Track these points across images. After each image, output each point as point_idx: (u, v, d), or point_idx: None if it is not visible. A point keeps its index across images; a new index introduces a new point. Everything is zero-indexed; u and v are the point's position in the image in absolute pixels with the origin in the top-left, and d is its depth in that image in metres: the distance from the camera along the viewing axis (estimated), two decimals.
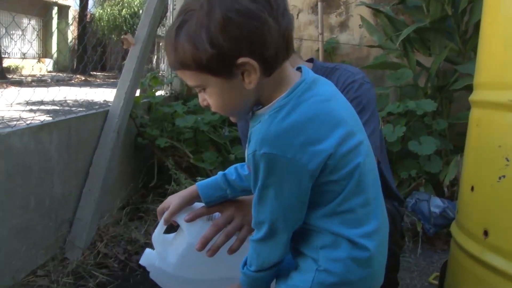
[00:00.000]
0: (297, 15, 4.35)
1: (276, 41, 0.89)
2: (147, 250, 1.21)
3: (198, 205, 1.24)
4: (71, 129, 2.43)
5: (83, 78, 14.19)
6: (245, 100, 0.95)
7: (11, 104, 2.27)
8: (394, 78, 3.44)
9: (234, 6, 0.87)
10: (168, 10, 3.95)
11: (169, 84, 3.89)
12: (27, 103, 2.26)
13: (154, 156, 3.24)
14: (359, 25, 4.13)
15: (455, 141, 3.28)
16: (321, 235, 0.95)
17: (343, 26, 4.32)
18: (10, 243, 2.01)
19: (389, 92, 3.54)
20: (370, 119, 1.47)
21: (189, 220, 1.19)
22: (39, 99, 2.29)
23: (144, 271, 2.33)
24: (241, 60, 0.88)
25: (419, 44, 3.53)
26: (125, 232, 2.77)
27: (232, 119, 1.07)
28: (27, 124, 2.15)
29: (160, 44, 16.40)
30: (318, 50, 3.89)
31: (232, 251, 1.17)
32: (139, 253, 2.51)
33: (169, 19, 3.98)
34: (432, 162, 3.12)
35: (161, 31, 9.96)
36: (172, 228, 1.24)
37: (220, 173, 1.22)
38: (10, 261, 2.01)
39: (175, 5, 3.87)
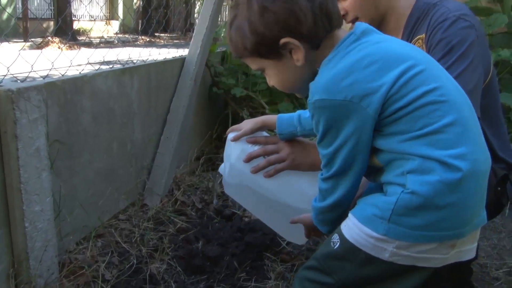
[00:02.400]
0: None
1: (311, 17, 0.96)
2: (225, 162, 1.39)
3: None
4: (151, 75, 2.40)
5: (147, 39, 14.38)
6: (301, 76, 1.04)
7: (87, 63, 2.28)
8: (485, 25, 3.15)
9: None
10: None
11: None
12: (102, 62, 2.27)
13: (228, 107, 3.19)
14: None
15: None
16: (408, 160, 0.91)
17: None
18: (97, 184, 2.04)
19: None
20: (458, 60, 1.29)
21: (233, 140, 1.33)
22: (107, 59, 2.31)
23: (221, 218, 2.34)
24: (282, 41, 0.98)
25: None
26: (200, 181, 2.76)
27: (298, 95, 1.19)
28: (110, 67, 2.14)
29: None
30: None
31: (268, 175, 1.30)
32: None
33: None
34: None
35: None
36: None
37: (298, 112, 1.31)
38: (97, 202, 2.05)
39: None
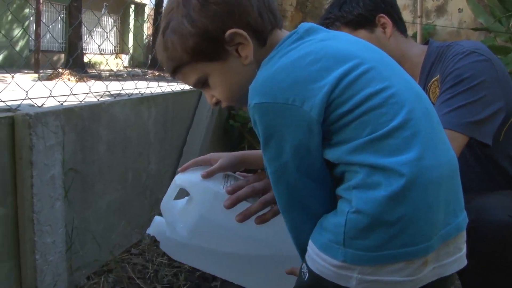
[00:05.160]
0: None
1: (257, 6, 0.90)
2: (156, 218, 1.08)
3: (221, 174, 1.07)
4: (168, 105, 2.36)
5: (157, 73, 14.53)
6: (248, 79, 0.89)
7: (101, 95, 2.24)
8: (503, 64, 3.12)
9: None
10: None
11: None
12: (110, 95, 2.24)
13: (244, 140, 3.13)
14: (459, 9, 3.83)
15: None
16: (355, 173, 0.81)
17: (441, 10, 4.02)
18: (110, 217, 1.95)
19: None
20: (464, 92, 1.23)
21: (207, 176, 1.03)
22: (118, 90, 2.27)
23: None
24: (228, 32, 0.88)
25: None
26: None
27: (245, 109, 0.93)
28: (129, 95, 2.09)
29: None
30: (413, 35, 3.63)
31: (262, 220, 1.01)
32: None
33: None
34: None
35: None
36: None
37: None
38: (110, 235, 1.96)
39: None
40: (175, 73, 0.95)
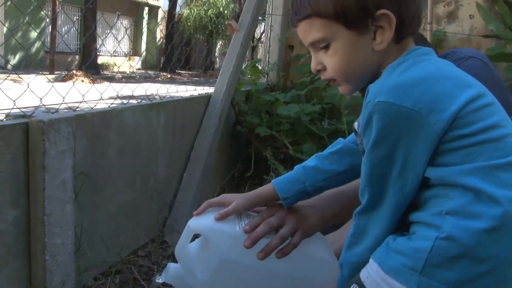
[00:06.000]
0: None
1: (416, 4, 0.87)
2: (171, 265, 1.04)
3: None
4: (177, 111, 2.41)
5: (169, 76, 14.65)
6: (369, 64, 0.88)
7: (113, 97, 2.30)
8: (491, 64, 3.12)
9: None
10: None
11: (265, 76, 3.82)
12: (122, 97, 2.29)
13: (251, 146, 3.17)
14: (470, 15, 3.83)
15: None
16: (452, 199, 0.76)
17: (452, 16, 4.02)
18: (118, 219, 2.01)
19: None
20: None
21: (221, 218, 1.00)
22: (130, 93, 2.32)
23: None
24: (381, 11, 0.83)
25: None
26: None
27: (344, 88, 0.93)
28: (138, 102, 2.14)
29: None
30: None
31: (283, 254, 0.99)
32: None
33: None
34: None
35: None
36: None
37: (296, 167, 1.08)
38: (118, 237, 2.01)
39: None
40: (301, 20, 0.89)
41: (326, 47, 0.88)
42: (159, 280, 1.03)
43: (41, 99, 1.68)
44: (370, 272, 0.81)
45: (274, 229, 1.01)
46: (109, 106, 1.95)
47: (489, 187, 0.74)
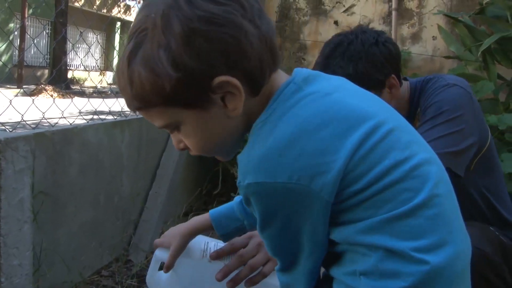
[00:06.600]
0: (368, 26, 4.22)
1: (258, 48, 0.69)
2: None
3: (200, 239, 1.08)
4: (142, 128, 2.39)
5: None
6: (233, 132, 0.74)
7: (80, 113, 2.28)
8: (473, 92, 3.22)
9: (196, 13, 0.66)
10: None
11: None
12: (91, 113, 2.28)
13: (219, 163, 3.16)
14: (433, 36, 3.96)
15: None
16: (363, 256, 0.69)
17: (415, 37, 4.14)
18: (80, 238, 1.97)
19: None
20: (447, 123, 1.26)
21: (168, 268, 1.03)
22: (99, 109, 2.32)
23: None
24: (218, 80, 0.67)
25: (501, 55, 3.31)
26: None
27: (221, 158, 0.82)
28: (102, 120, 2.13)
29: None
30: None
31: (252, 283, 0.99)
32: None
33: None
34: None
35: None
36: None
37: (237, 198, 1.02)
38: (79, 257, 1.97)
39: None
40: (138, 110, 0.74)
41: (178, 129, 0.74)
42: None
43: None
44: None
45: (245, 261, 1.00)
46: (71, 124, 1.93)
47: (397, 242, 0.66)
